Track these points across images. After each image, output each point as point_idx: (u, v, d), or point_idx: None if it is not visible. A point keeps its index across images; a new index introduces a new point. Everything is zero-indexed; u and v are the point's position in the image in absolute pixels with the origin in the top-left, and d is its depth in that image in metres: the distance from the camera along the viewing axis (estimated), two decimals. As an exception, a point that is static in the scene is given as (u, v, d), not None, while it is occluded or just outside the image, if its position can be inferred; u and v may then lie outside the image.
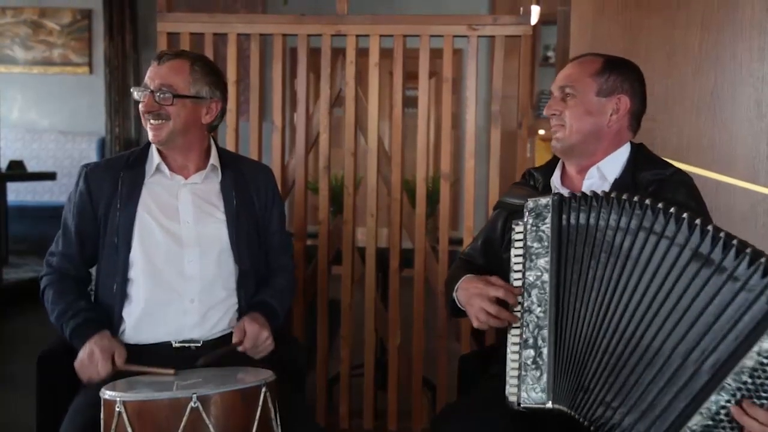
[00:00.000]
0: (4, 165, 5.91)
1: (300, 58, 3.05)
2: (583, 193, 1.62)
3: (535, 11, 2.96)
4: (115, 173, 2.03)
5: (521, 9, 2.98)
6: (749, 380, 1.38)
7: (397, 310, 3.08)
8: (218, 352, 1.90)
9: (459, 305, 1.82)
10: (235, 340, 1.94)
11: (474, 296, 1.73)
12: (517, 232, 1.68)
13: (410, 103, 3.09)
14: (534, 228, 1.63)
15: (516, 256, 1.67)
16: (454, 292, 1.84)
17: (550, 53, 7.03)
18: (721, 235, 1.43)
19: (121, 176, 2.02)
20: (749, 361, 1.37)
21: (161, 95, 1.96)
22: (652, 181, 1.77)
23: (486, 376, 1.93)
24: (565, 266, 1.60)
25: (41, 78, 7.35)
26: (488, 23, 2.95)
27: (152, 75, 1.99)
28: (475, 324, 1.72)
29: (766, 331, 1.37)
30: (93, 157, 6.98)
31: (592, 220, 1.58)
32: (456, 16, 3.02)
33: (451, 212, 3.07)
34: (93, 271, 2.11)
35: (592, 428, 1.53)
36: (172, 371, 1.77)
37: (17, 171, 5.95)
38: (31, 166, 6.69)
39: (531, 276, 1.62)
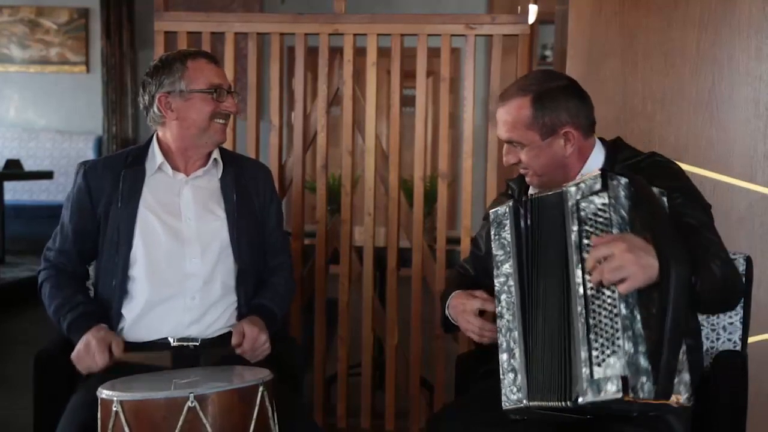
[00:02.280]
0: (0, 164, 5.90)
1: (297, 57, 3.04)
2: (532, 195, 1.68)
3: (533, 10, 2.96)
4: (116, 171, 2.03)
5: (519, 8, 2.98)
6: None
7: (395, 309, 3.08)
8: (217, 354, 1.92)
9: (452, 321, 1.89)
10: (234, 341, 1.94)
11: (460, 313, 1.82)
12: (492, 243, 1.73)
13: (408, 102, 3.09)
14: (497, 236, 1.69)
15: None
16: (446, 309, 1.90)
17: (548, 52, 7.04)
18: None
19: (123, 174, 2.02)
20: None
21: (235, 96, 2.07)
22: (627, 169, 1.76)
23: (483, 375, 1.93)
24: (526, 268, 1.63)
25: (38, 77, 7.34)
26: (486, 22, 2.95)
27: (222, 75, 2.05)
28: (474, 338, 1.80)
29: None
30: (90, 156, 6.98)
31: (534, 221, 1.64)
32: (454, 15, 3.02)
33: (448, 211, 3.07)
34: (90, 268, 2.12)
35: (569, 404, 1.51)
36: (168, 356, 1.81)
37: (14, 170, 5.94)
38: (28, 165, 6.69)
39: (498, 283, 1.67)
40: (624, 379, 1.39)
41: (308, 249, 3.16)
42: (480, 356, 2.13)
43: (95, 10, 7.22)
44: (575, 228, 1.51)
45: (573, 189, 1.54)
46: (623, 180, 1.52)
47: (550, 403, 1.53)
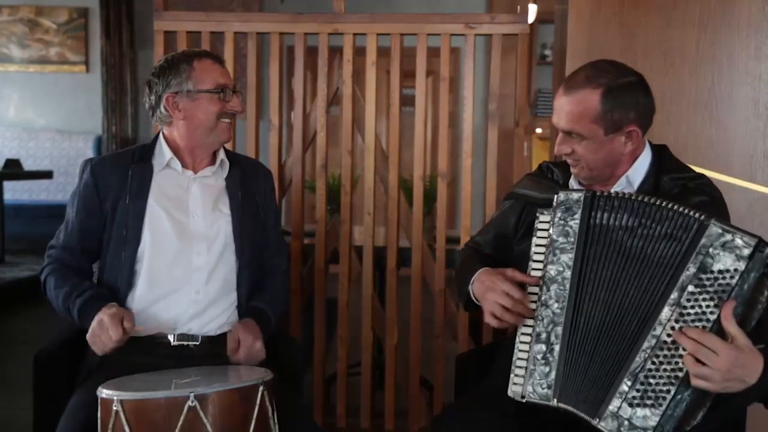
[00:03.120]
0: (0, 164, 5.90)
1: (297, 56, 3.04)
2: (616, 193, 1.60)
3: (533, 10, 2.96)
4: (124, 167, 2.05)
5: (518, 7, 2.98)
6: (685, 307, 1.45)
7: (395, 309, 3.08)
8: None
9: (474, 298, 1.79)
10: (230, 347, 1.97)
11: (489, 290, 1.69)
12: (542, 221, 1.65)
13: (407, 101, 3.09)
14: (562, 222, 1.61)
15: (537, 246, 1.65)
16: (470, 284, 1.79)
17: (548, 52, 7.04)
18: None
19: (131, 169, 2.04)
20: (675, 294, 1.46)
21: (240, 96, 2.10)
22: (673, 186, 1.75)
23: (483, 374, 1.93)
24: (588, 265, 1.57)
25: (38, 76, 7.34)
26: (485, 22, 2.95)
27: (227, 76, 2.07)
28: (488, 319, 1.69)
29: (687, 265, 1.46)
30: (90, 155, 6.96)
31: (617, 221, 1.56)
32: (453, 14, 3.01)
33: (448, 211, 3.07)
34: (94, 266, 2.12)
35: (597, 421, 1.51)
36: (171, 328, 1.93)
37: (14, 170, 5.93)
38: (28, 165, 6.69)
39: (552, 270, 1.60)
40: None
41: (308, 248, 3.16)
42: (480, 356, 2.13)
43: (95, 10, 7.22)
44: (692, 270, 1.46)
45: (718, 230, 1.45)
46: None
47: (578, 412, 1.53)
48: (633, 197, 1.56)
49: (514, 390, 1.60)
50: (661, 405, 1.43)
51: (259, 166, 2.28)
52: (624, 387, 1.46)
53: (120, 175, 2.04)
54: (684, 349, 1.43)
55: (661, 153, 1.82)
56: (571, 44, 2.54)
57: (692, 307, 1.45)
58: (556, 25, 2.78)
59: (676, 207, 1.51)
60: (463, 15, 3.00)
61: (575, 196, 1.61)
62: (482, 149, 3.04)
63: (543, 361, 1.57)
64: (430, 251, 3.09)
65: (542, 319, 1.59)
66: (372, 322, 3.12)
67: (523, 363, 1.60)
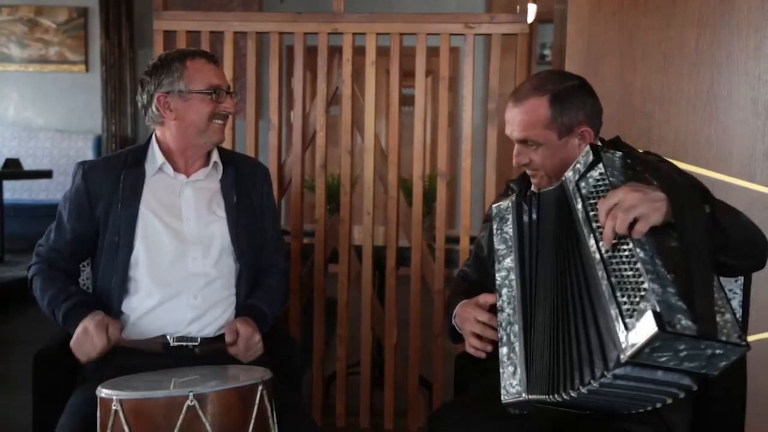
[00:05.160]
0: (0, 163, 5.90)
1: (297, 56, 3.04)
2: (537, 191, 1.69)
3: (532, 9, 2.96)
4: (116, 172, 2.03)
5: (518, 7, 2.98)
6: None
7: (394, 308, 3.09)
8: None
9: (459, 330, 1.86)
10: (228, 340, 1.95)
11: (465, 321, 1.79)
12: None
13: (407, 101, 3.09)
14: (499, 231, 1.70)
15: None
16: (453, 319, 1.87)
17: (547, 51, 7.04)
18: None
19: (123, 175, 2.02)
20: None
21: (234, 96, 2.08)
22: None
23: (482, 374, 1.94)
24: (528, 262, 1.64)
25: (37, 76, 7.34)
26: (485, 21, 2.95)
27: (221, 76, 2.05)
28: (468, 350, 1.77)
29: None
30: (89, 155, 6.98)
31: (541, 215, 1.65)
32: (453, 14, 3.02)
33: (447, 211, 3.07)
34: (81, 267, 2.11)
35: (568, 396, 1.48)
36: (161, 342, 1.87)
37: (13, 169, 5.93)
38: (27, 165, 6.68)
39: (499, 277, 1.67)
40: (656, 314, 1.30)
41: (307, 248, 3.16)
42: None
43: (94, 9, 7.22)
44: (580, 205, 1.53)
45: (570, 174, 1.57)
46: (618, 153, 1.55)
47: (548, 397, 1.52)
48: (539, 191, 1.67)
49: (501, 398, 1.62)
50: (645, 289, 1.36)
51: (256, 165, 2.25)
52: (613, 313, 1.40)
53: (112, 181, 2.01)
54: (621, 244, 1.43)
55: (613, 145, 1.84)
56: (571, 44, 2.54)
57: (599, 221, 1.48)
58: (556, 24, 2.78)
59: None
60: (463, 15, 3.00)
61: (504, 204, 1.72)
62: (482, 149, 3.04)
63: (509, 362, 1.60)
64: (429, 251, 3.09)
65: (500, 324, 1.65)
66: (371, 322, 3.12)
67: (500, 370, 1.63)
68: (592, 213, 1.50)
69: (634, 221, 1.41)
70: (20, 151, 6.94)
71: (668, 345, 1.32)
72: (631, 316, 1.36)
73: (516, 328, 1.61)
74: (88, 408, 1.68)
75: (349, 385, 3.18)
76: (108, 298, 1.98)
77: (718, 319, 1.34)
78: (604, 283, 1.44)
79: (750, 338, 2.10)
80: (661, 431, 1.60)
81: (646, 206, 1.40)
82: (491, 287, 1.77)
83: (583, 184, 1.54)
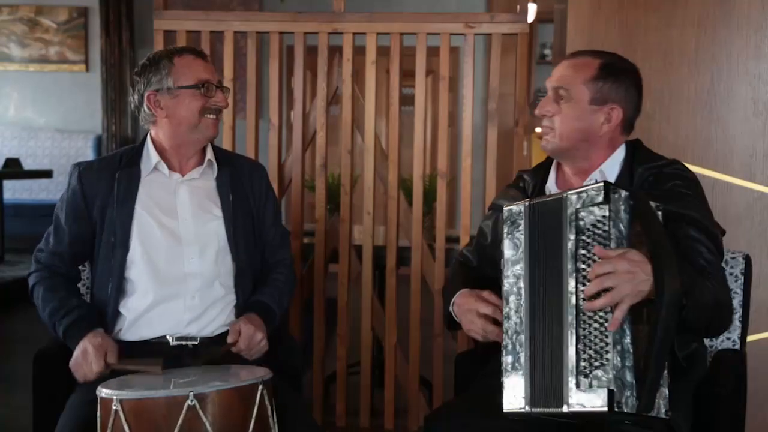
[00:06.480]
0: (0, 163, 5.90)
1: (297, 56, 3.04)
2: (535, 201, 1.64)
3: (532, 9, 2.97)
4: (111, 173, 2.02)
5: (518, 7, 2.98)
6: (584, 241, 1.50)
7: (394, 308, 3.09)
8: (217, 352, 1.90)
9: (455, 318, 1.86)
10: (230, 340, 1.94)
11: (466, 312, 1.79)
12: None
13: (407, 101, 3.09)
14: (509, 235, 1.65)
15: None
16: (450, 306, 1.86)
17: (547, 51, 7.04)
18: None
19: (117, 175, 2.02)
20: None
21: (225, 91, 2.07)
22: (648, 175, 1.77)
23: (482, 374, 1.93)
24: (538, 271, 1.59)
25: (37, 76, 7.34)
26: (485, 21, 2.95)
27: (210, 70, 2.03)
28: (472, 335, 1.80)
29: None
30: (89, 155, 6.98)
31: (544, 225, 1.60)
32: (453, 14, 3.02)
33: (447, 210, 3.07)
34: (81, 268, 2.11)
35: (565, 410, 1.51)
36: (159, 365, 1.76)
37: (13, 169, 5.93)
38: (28, 164, 6.68)
39: (507, 283, 1.64)
40: (610, 393, 1.41)
41: (307, 248, 3.16)
42: (479, 355, 2.13)
43: (94, 9, 7.22)
44: (572, 237, 1.51)
45: (574, 197, 1.52)
46: (624, 193, 1.52)
47: (550, 410, 1.52)
48: (535, 201, 1.62)
49: (503, 407, 1.61)
50: (607, 360, 1.43)
51: (253, 164, 2.24)
52: (570, 364, 1.46)
53: (108, 182, 2.01)
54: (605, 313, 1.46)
55: (634, 146, 1.85)
56: (571, 44, 2.55)
57: (589, 266, 1.49)
58: (556, 24, 2.79)
59: (554, 193, 1.61)
60: (463, 14, 3.00)
61: (516, 208, 1.65)
62: (482, 149, 3.04)
63: (513, 372, 1.59)
64: (429, 251, 3.09)
65: (506, 331, 1.62)
66: (371, 322, 3.12)
67: (503, 378, 1.61)
68: (581, 251, 1.50)
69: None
70: (20, 151, 6.94)
71: (606, 415, 1.44)
72: (586, 376, 1.45)
73: (522, 338, 1.58)
74: (88, 408, 1.68)
75: (349, 385, 3.18)
76: (105, 300, 1.97)
77: (657, 396, 1.47)
78: (571, 330, 1.48)
79: (750, 338, 2.11)
80: (663, 431, 1.60)
81: (630, 288, 1.44)
82: (490, 273, 1.78)
83: (583, 214, 1.51)
